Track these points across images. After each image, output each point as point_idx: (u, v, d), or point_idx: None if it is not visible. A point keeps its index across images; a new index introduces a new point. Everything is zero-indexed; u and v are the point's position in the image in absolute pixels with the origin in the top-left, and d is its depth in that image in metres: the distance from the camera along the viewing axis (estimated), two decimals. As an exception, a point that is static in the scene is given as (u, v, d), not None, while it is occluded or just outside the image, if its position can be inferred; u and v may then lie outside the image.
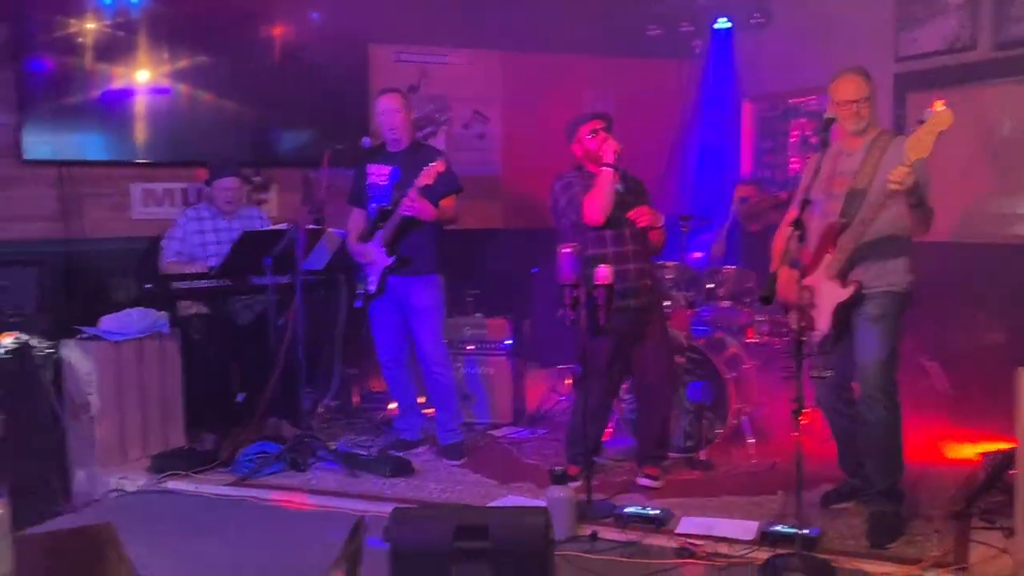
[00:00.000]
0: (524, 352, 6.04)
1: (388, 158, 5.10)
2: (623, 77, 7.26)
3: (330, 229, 5.22)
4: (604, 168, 4.45)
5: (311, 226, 4.95)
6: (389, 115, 5.00)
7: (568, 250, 4.14)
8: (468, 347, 5.86)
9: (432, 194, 4.87)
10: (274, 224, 5.47)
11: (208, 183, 5.59)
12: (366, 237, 5.07)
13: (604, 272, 4.17)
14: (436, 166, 4.75)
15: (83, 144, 5.86)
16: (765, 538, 3.79)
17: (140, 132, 5.95)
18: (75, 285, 5.63)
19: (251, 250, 4.97)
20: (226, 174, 5.57)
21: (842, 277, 3.89)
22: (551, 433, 5.52)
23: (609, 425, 5.11)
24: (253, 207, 5.94)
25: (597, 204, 4.43)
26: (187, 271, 5.27)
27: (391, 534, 2.85)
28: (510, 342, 5.87)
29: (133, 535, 2.35)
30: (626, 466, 4.84)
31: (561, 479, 3.98)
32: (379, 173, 5.11)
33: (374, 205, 5.07)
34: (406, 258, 4.97)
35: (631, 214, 4.50)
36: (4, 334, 4.67)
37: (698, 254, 5.84)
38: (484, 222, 6.82)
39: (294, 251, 4.84)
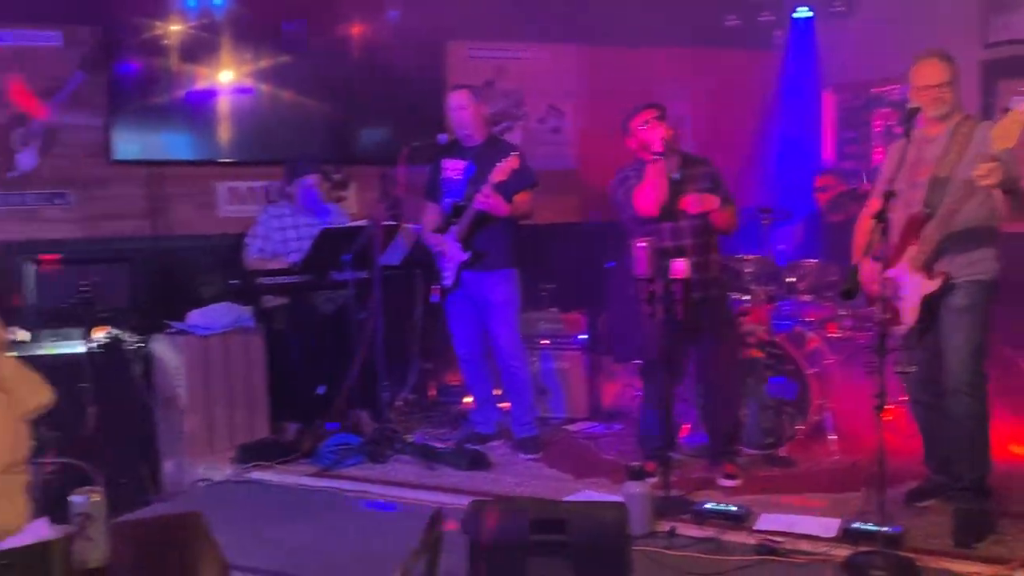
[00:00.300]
0: (599, 347, 6.00)
1: (463, 153, 5.08)
2: (701, 69, 7.14)
3: (406, 224, 5.25)
4: (654, 157, 4.36)
5: (388, 222, 5.01)
6: (458, 112, 4.97)
7: (643, 244, 4.10)
8: (543, 341, 5.82)
9: (506, 189, 4.86)
10: (353, 221, 5.50)
11: (289, 181, 5.62)
12: (441, 232, 5.08)
13: (681, 266, 4.12)
14: (510, 162, 4.73)
15: (170, 144, 5.96)
16: (847, 535, 3.70)
17: (224, 131, 6.04)
18: (164, 281, 5.74)
19: (331, 246, 5.02)
20: (307, 172, 5.59)
21: (928, 269, 3.78)
22: (626, 428, 5.45)
23: (686, 421, 5.03)
24: (336, 207, 5.95)
25: (647, 195, 4.33)
26: (270, 267, 5.32)
27: (469, 526, 2.84)
28: (585, 337, 5.82)
29: (221, 523, 2.40)
30: (703, 462, 4.76)
31: (638, 475, 3.95)
32: (454, 168, 5.09)
33: (448, 200, 5.05)
34: (481, 253, 4.96)
35: (680, 204, 4.40)
36: (97, 329, 4.78)
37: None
38: (559, 216, 6.76)
39: (372, 247, 4.87)
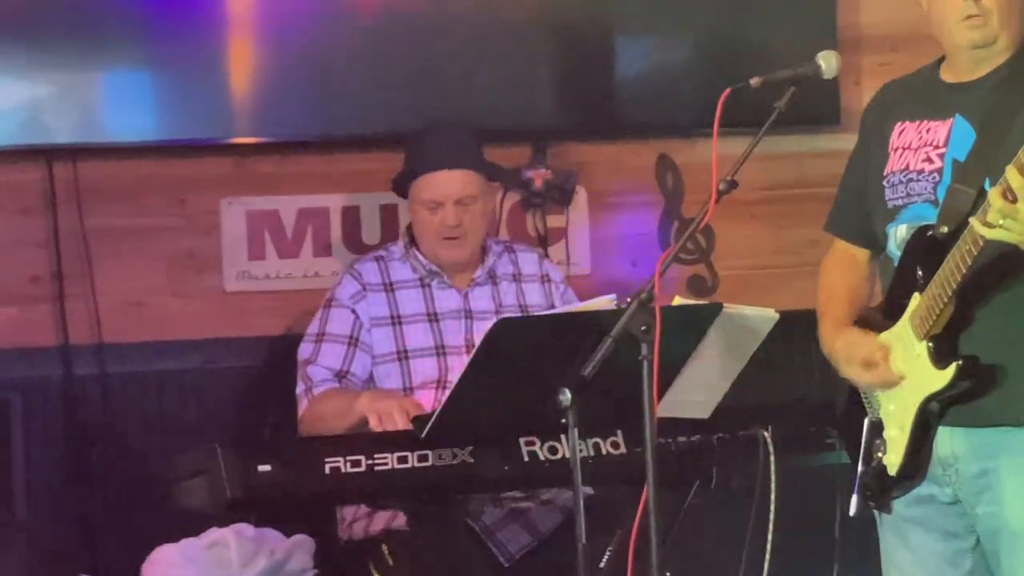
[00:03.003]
0: None
1: (949, 99, 2.73)
2: None
3: (730, 309, 2.65)
4: None
5: (686, 302, 2.59)
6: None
7: None
8: None
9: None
10: (579, 297, 3.18)
11: (400, 187, 3.12)
12: (873, 324, 2.73)
13: None
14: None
15: (103, 109, 2.93)
16: None
17: (242, 73, 3.01)
18: (80, 469, 2.95)
19: (520, 369, 2.69)
20: (454, 163, 3.04)
21: None
22: None
23: None
24: (529, 249, 3.39)
25: None
26: (367, 427, 2.89)
27: None
28: None
29: None
30: None
31: None
32: (924, 141, 2.79)
33: (901, 228, 2.72)
34: (983, 371, 2.49)
35: None
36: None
37: None
38: None
39: (642, 372, 2.27)
